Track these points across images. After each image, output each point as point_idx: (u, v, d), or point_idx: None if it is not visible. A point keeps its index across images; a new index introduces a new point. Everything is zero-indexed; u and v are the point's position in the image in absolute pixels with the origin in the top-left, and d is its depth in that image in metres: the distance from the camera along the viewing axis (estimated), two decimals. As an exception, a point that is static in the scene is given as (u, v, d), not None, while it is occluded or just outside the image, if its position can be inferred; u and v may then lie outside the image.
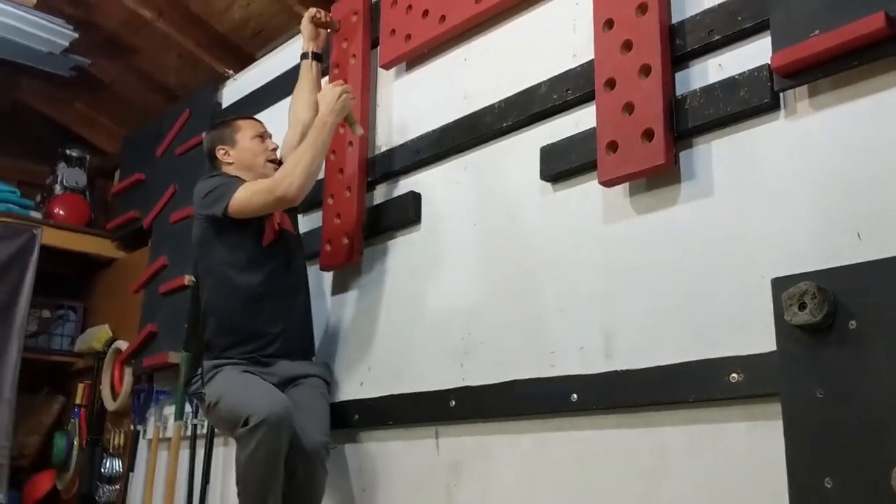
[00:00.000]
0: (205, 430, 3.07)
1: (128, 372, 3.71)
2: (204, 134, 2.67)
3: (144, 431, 3.50)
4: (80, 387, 4.05)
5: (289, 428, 2.16)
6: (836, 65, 1.59)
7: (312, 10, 2.77)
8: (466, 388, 2.18)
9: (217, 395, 2.29)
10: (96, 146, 4.65)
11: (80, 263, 4.40)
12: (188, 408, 3.16)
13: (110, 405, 3.78)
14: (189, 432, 3.13)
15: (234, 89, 3.57)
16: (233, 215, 2.34)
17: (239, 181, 2.38)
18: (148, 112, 4.24)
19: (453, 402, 2.20)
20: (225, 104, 3.59)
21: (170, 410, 3.33)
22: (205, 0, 3.61)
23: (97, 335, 4.00)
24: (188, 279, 3.30)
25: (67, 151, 4.45)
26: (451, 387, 2.23)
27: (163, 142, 3.81)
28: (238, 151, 2.49)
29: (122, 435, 3.73)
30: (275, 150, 2.56)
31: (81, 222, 4.33)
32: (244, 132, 2.53)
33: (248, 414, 2.14)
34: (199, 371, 2.44)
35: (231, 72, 3.70)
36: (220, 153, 2.51)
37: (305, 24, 2.76)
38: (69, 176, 4.41)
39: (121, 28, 3.91)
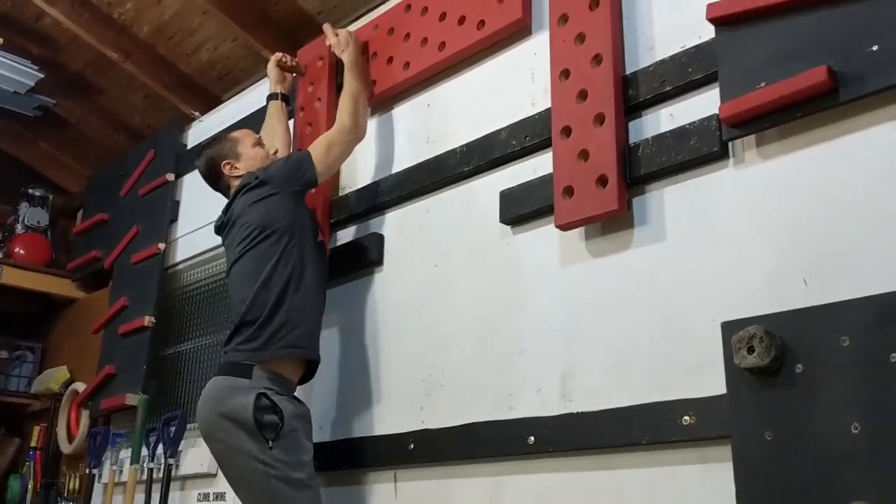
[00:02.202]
0: (161, 474, 3.02)
1: (84, 414, 3.64)
2: (201, 166, 2.53)
3: (100, 475, 3.43)
4: (37, 429, 3.99)
5: None
6: (781, 115, 1.64)
7: (279, 55, 2.80)
8: (425, 430, 2.18)
9: (286, 461, 2.04)
10: (60, 186, 4.63)
11: (40, 303, 4.35)
12: (144, 451, 3.11)
13: (66, 448, 3.71)
14: (145, 476, 3.08)
15: (200, 130, 3.58)
16: (322, 176, 2.39)
17: (303, 151, 2.42)
18: (112, 152, 4.24)
19: (412, 445, 2.19)
20: (190, 145, 3.60)
21: (126, 454, 3.28)
22: (172, 42, 3.64)
23: (55, 376, 3.93)
24: (148, 320, 3.29)
25: (30, 191, 4.43)
26: (410, 430, 2.22)
27: (126, 182, 3.79)
28: (245, 162, 2.46)
29: (77, 478, 3.66)
30: (275, 152, 2.56)
31: (42, 262, 4.29)
32: (244, 142, 2.51)
33: None
34: (263, 392, 2.09)
35: (197, 113, 3.72)
36: (226, 168, 2.46)
37: (272, 68, 2.79)
38: (31, 215, 4.37)
39: (87, 69, 3.92)
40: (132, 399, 3.19)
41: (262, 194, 2.31)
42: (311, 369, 2.29)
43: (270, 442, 2.03)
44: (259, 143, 2.53)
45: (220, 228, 2.45)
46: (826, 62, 1.57)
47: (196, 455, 2.94)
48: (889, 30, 1.53)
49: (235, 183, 2.43)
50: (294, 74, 2.85)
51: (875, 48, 1.53)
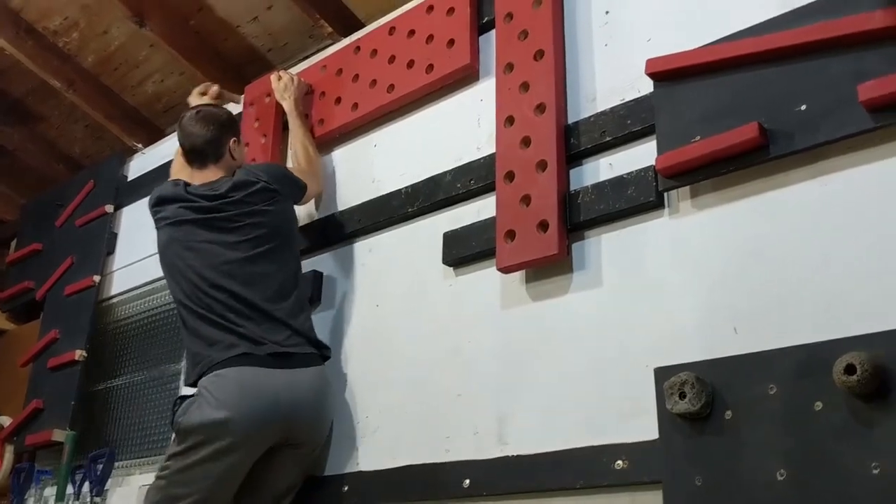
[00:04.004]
0: (86, 514, 2.92)
1: (9, 450, 3.50)
2: (209, 123, 2.41)
3: (22, 514, 3.29)
4: (-44, 465, 3.81)
5: None
6: (714, 168, 1.70)
7: (202, 87, 2.80)
8: (360, 472, 2.16)
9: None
10: (-7, 214, 4.52)
11: (-34, 335, 4.20)
12: (70, 489, 3.01)
13: (-13, 486, 3.56)
14: (69, 516, 2.97)
15: (142, 162, 3.53)
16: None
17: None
18: (50, 181, 4.16)
19: (346, 488, 2.16)
20: (131, 176, 3.54)
21: (51, 492, 3.15)
22: (117, 74, 3.61)
23: (-22, 411, 3.79)
24: (79, 354, 3.20)
25: (-39, 218, 4.31)
26: (345, 471, 2.20)
27: (63, 212, 3.71)
28: (239, 153, 2.46)
29: (-3, 518, 3.51)
30: None
31: (-29, 292, 4.14)
32: (243, 141, 2.61)
33: None
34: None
35: (140, 145, 3.68)
36: (233, 144, 2.43)
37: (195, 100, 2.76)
38: (-39, 243, 4.25)
39: (28, 96, 3.87)
40: (59, 435, 3.08)
41: (272, 197, 2.33)
42: None
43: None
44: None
45: (201, 210, 2.31)
46: (757, 119, 1.64)
47: (123, 494, 2.85)
48: (816, 91, 1.60)
49: (226, 163, 2.40)
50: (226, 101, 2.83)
51: (803, 108, 1.61)
